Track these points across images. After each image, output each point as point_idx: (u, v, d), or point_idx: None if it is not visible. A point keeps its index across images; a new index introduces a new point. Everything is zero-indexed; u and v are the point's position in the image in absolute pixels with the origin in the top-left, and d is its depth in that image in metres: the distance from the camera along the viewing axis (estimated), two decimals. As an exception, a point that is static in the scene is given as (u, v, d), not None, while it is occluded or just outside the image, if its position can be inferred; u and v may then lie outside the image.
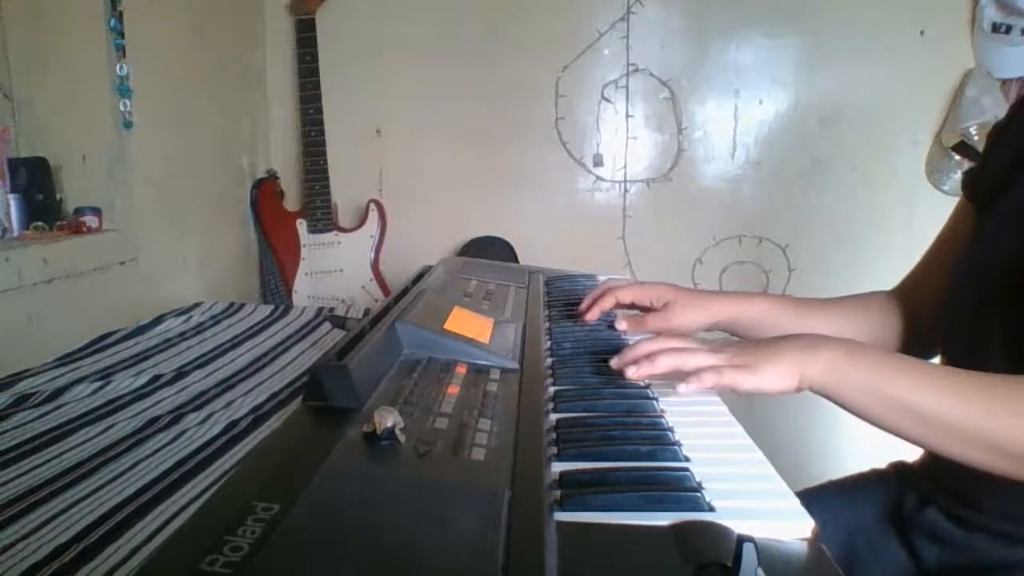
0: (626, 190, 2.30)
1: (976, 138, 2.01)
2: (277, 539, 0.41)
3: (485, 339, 0.82)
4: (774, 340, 0.73)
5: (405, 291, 0.94)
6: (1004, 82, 2.06)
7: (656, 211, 2.30)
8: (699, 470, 0.57)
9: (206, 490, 0.89)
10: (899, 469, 0.92)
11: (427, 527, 0.45)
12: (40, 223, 1.55)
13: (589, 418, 0.68)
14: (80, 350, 1.38)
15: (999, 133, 0.85)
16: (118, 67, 1.63)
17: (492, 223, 2.31)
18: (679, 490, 0.54)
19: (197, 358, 1.39)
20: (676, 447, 0.61)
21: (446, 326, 0.82)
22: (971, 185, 0.87)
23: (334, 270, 2.27)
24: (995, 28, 2.02)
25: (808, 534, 0.50)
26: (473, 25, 2.26)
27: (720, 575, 0.43)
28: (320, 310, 1.78)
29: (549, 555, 0.44)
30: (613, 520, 0.50)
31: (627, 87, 2.24)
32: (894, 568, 0.84)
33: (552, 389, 0.75)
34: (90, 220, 1.60)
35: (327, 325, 1.67)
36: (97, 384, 1.21)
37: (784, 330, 0.81)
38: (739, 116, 2.23)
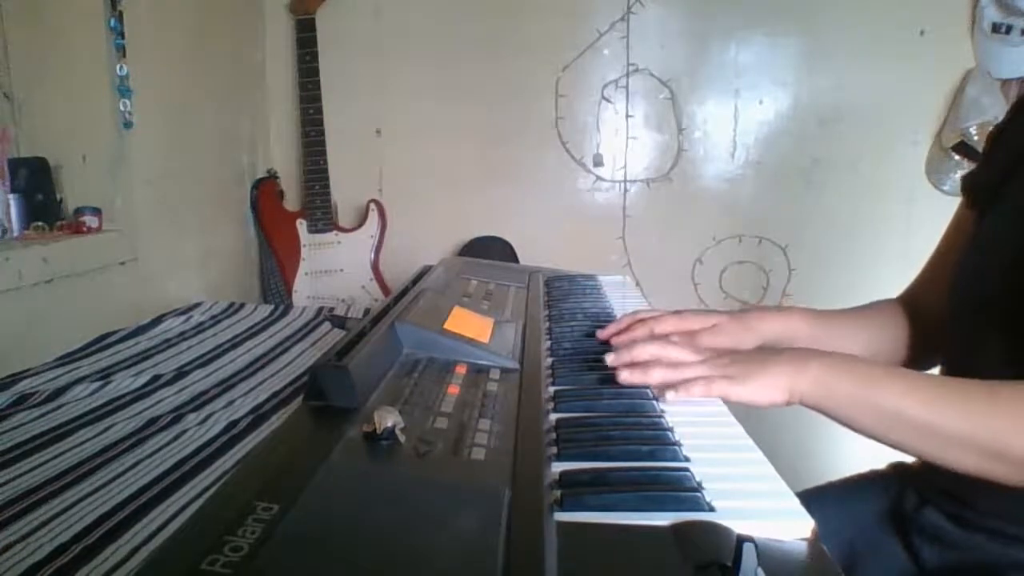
0: (626, 190, 2.30)
1: (976, 138, 2.01)
2: (277, 539, 0.41)
3: (485, 339, 0.82)
4: (767, 353, 0.74)
5: (405, 291, 0.94)
6: (1004, 82, 2.06)
7: (656, 211, 2.30)
8: (699, 470, 0.57)
9: (206, 490, 0.89)
10: (898, 469, 0.92)
11: (427, 527, 0.45)
12: (40, 223, 1.55)
13: (589, 418, 0.68)
14: (80, 350, 1.38)
15: (998, 135, 0.85)
16: (118, 67, 1.63)
17: (492, 223, 2.31)
18: (679, 490, 0.54)
19: (197, 358, 1.39)
20: (676, 447, 0.61)
21: (446, 326, 0.82)
22: (970, 188, 0.87)
23: (334, 270, 2.27)
24: (995, 28, 2.02)
25: (808, 534, 0.50)
26: (473, 25, 2.26)
27: (720, 575, 0.43)
28: (320, 310, 1.78)
29: (549, 555, 0.44)
30: (613, 520, 0.50)
31: (627, 87, 2.24)
32: (894, 568, 0.84)
33: (552, 389, 0.75)
34: (90, 220, 1.60)
35: (327, 325, 1.67)
36: (97, 384, 1.21)
37: (815, 342, 0.82)
38: (739, 116, 2.23)
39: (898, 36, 2.11)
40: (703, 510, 0.52)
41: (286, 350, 1.48)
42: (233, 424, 1.08)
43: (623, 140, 2.28)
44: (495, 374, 0.74)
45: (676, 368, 0.73)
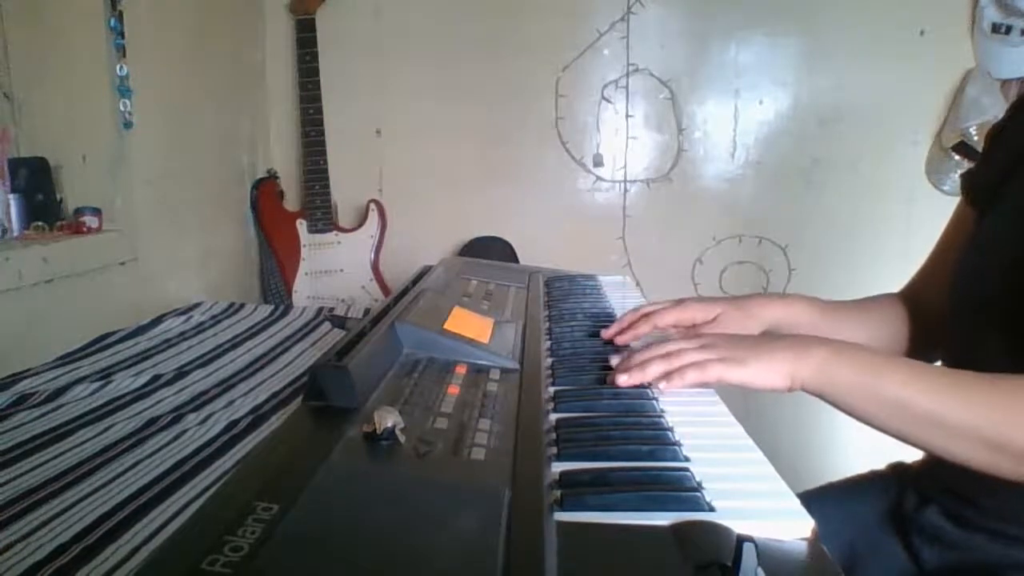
0: (626, 190, 2.30)
1: (976, 138, 2.01)
2: (277, 539, 0.41)
3: (485, 339, 0.82)
4: (768, 338, 0.74)
5: (405, 291, 0.94)
6: (1004, 82, 2.06)
7: (656, 211, 2.30)
8: (699, 470, 0.57)
9: (206, 490, 0.89)
10: (897, 470, 0.92)
11: (427, 527, 0.45)
12: (40, 223, 1.55)
13: (589, 418, 0.68)
14: (80, 350, 1.38)
15: (997, 134, 0.84)
16: (118, 67, 1.63)
17: (492, 223, 2.31)
18: (679, 490, 0.54)
19: (197, 358, 1.39)
20: (676, 447, 0.61)
21: (446, 326, 0.82)
22: (970, 187, 0.87)
23: (334, 270, 2.27)
24: (995, 28, 2.02)
25: (808, 534, 0.50)
26: (473, 25, 2.26)
27: (720, 575, 0.43)
28: (320, 310, 1.78)
29: (549, 555, 0.44)
30: (613, 520, 0.50)
31: (627, 87, 2.24)
32: (894, 569, 0.84)
33: (552, 389, 0.75)
34: (90, 220, 1.60)
35: (327, 325, 1.67)
36: (97, 384, 1.21)
37: (815, 330, 0.81)
38: (739, 116, 2.23)
39: (898, 36, 2.11)
40: (703, 510, 0.52)
41: (286, 350, 1.48)
42: (233, 424, 1.08)
43: (623, 140, 2.28)
44: (495, 374, 0.74)
45: (671, 358, 0.72)
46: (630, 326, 0.89)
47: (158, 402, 1.16)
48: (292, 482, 0.47)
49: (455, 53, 2.28)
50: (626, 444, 0.62)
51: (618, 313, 1.04)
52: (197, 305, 1.75)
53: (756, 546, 0.42)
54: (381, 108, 2.33)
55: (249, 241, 2.28)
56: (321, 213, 2.24)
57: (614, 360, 0.77)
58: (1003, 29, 2.01)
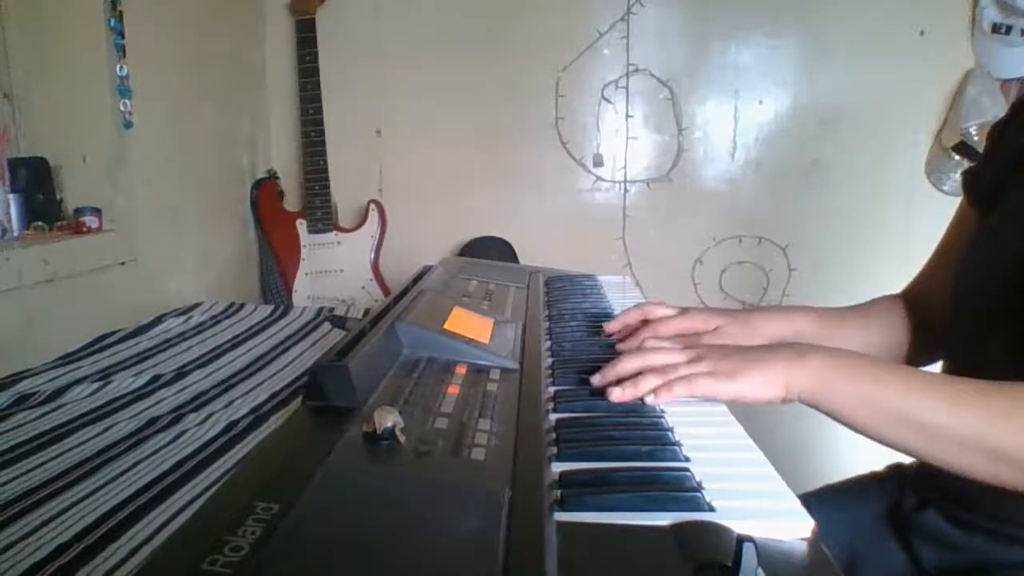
0: (626, 190, 2.30)
1: (976, 138, 2.01)
2: (277, 539, 0.41)
3: (485, 339, 0.82)
4: (763, 348, 0.73)
5: (405, 291, 0.94)
6: (1004, 82, 2.06)
7: (656, 211, 2.30)
8: (699, 470, 0.57)
9: (206, 490, 0.89)
10: (896, 471, 0.91)
11: (427, 527, 0.45)
12: (40, 223, 1.55)
13: (589, 418, 0.68)
14: (80, 350, 1.38)
15: (999, 133, 0.84)
16: (118, 67, 1.63)
17: (492, 223, 2.31)
18: (679, 490, 0.54)
19: (197, 358, 1.39)
20: (676, 447, 0.61)
21: (446, 326, 0.82)
22: (971, 186, 0.86)
23: (334, 270, 2.27)
24: (995, 28, 2.02)
25: (808, 534, 0.50)
26: (473, 25, 2.26)
27: (720, 575, 0.43)
28: (320, 310, 1.78)
29: (549, 555, 0.44)
30: (613, 520, 0.50)
31: (627, 87, 2.24)
32: (894, 569, 0.83)
33: (552, 389, 0.75)
34: (90, 220, 1.60)
35: (327, 325, 1.67)
36: (97, 384, 1.21)
37: (817, 341, 0.81)
38: (739, 116, 2.23)
39: (898, 36, 2.11)
40: (703, 510, 0.52)
41: (286, 350, 1.48)
42: (233, 424, 1.08)
43: (623, 140, 2.28)
44: (495, 374, 0.74)
45: (664, 373, 0.71)
46: (631, 333, 0.88)
47: (158, 402, 1.16)
48: (292, 482, 0.47)
49: (455, 53, 2.28)
50: (626, 444, 0.62)
51: (618, 313, 1.04)
52: (197, 305, 1.75)
53: (756, 546, 0.42)
54: (381, 108, 2.33)
55: (249, 241, 2.28)
56: (321, 213, 2.24)
57: (595, 379, 0.74)
58: (1003, 29, 2.01)
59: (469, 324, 0.85)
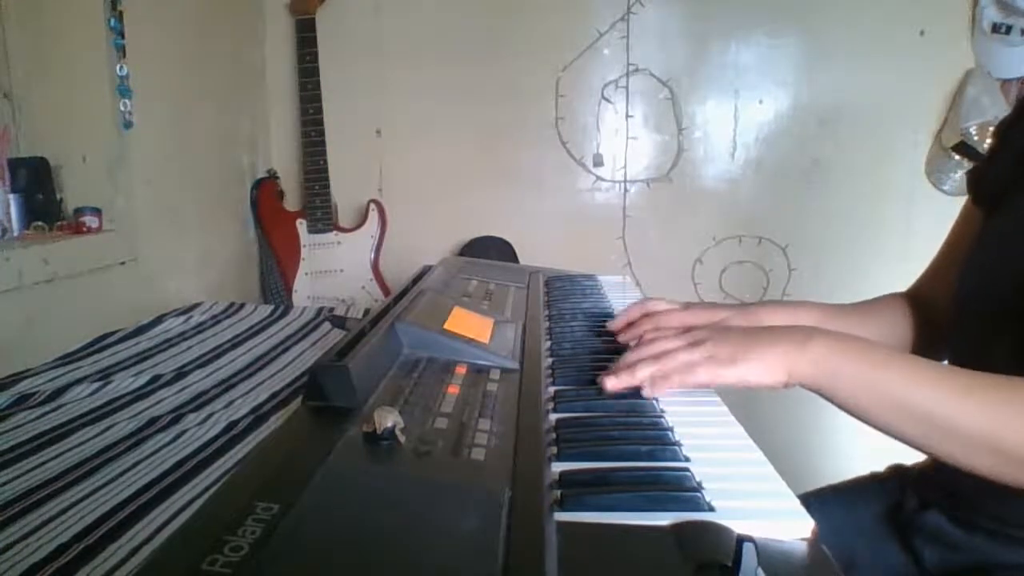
0: (626, 190, 2.30)
1: (976, 138, 2.01)
2: (277, 539, 0.41)
3: (485, 339, 0.82)
4: (764, 331, 0.71)
5: (405, 291, 0.94)
6: (1004, 82, 2.06)
7: (656, 211, 2.30)
8: (699, 470, 0.57)
9: (206, 490, 0.89)
10: (897, 472, 0.91)
11: (427, 527, 0.45)
12: (40, 223, 1.55)
13: (589, 418, 0.68)
14: (80, 350, 1.38)
15: (1005, 132, 0.83)
16: (118, 67, 1.63)
17: (492, 223, 2.31)
18: (679, 490, 0.54)
19: (197, 358, 1.39)
20: (676, 447, 0.61)
21: (446, 326, 0.82)
22: (976, 184, 0.86)
23: (334, 270, 2.27)
24: (995, 28, 2.02)
25: (808, 534, 0.50)
26: (473, 25, 2.26)
27: (720, 575, 0.43)
28: (320, 310, 1.78)
29: (549, 555, 0.44)
30: (613, 520, 0.50)
31: (627, 87, 2.24)
32: (895, 570, 0.83)
33: (552, 389, 0.75)
34: (90, 220, 1.60)
35: (327, 325, 1.67)
36: (97, 384, 1.21)
37: None
38: (739, 116, 2.23)
39: (898, 36, 2.11)
40: (703, 510, 0.52)
41: (286, 350, 1.48)
42: (233, 424, 1.08)
43: (623, 140, 2.28)
44: (495, 374, 0.74)
45: (661, 360, 0.70)
46: (632, 325, 0.88)
47: (158, 402, 1.16)
48: (292, 482, 0.47)
49: (455, 53, 2.28)
50: (626, 444, 0.62)
51: (618, 313, 1.04)
52: (197, 305, 1.75)
53: (756, 546, 0.42)
54: (381, 108, 2.33)
55: (249, 241, 2.28)
56: (321, 213, 2.24)
57: (609, 383, 0.74)
58: (1003, 29, 2.01)
59: (469, 324, 0.85)
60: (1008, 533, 0.75)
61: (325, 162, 2.23)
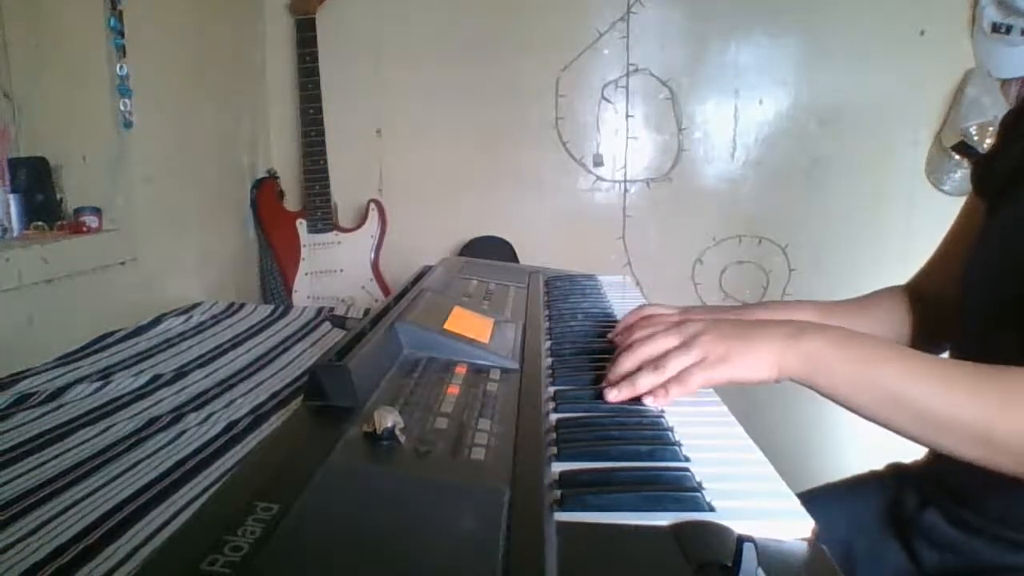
0: (626, 190, 2.30)
1: (976, 138, 2.01)
2: (277, 539, 0.41)
3: (485, 339, 0.82)
4: (756, 325, 0.71)
5: (405, 291, 0.94)
6: (1004, 82, 2.06)
7: (656, 211, 2.30)
8: (699, 470, 0.57)
9: (206, 490, 0.89)
10: (897, 470, 0.91)
11: (427, 527, 0.45)
12: (40, 223, 1.55)
13: (589, 418, 0.68)
14: (80, 350, 1.38)
15: (1011, 126, 0.83)
16: (118, 67, 1.63)
17: (492, 223, 2.31)
18: (679, 490, 0.54)
19: (197, 358, 1.39)
20: (676, 447, 0.61)
21: (446, 326, 0.82)
22: (980, 178, 0.85)
23: (334, 270, 2.27)
24: (995, 28, 2.02)
25: (808, 534, 0.50)
26: (473, 25, 2.26)
27: (720, 575, 0.43)
28: (320, 310, 1.78)
29: (549, 555, 0.44)
30: (613, 520, 0.50)
31: (627, 87, 2.24)
32: (894, 569, 0.83)
33: (552, 389, 0.75)
34: (90, 220, 1.60)
35: (327, 325, 1.67)
36: (97, 384, 1.21)
37: None
38: (739, 116, 2.23)
39: (898, 36, 2.11)
40: (703, 510, 0.52)
41: (286, 350, 1.48)
42: (233, 424, 1.08)
43: (623, 140, 2.28)
44: (495, 374, 0.74)
45: (658, 369, 0.70)
46: (628, 329, 0.88)
47: (158, 402, 1.16)
48: (292, 482, 0.47)
49: (455, 53, 2.28)
50: (626, 444, 0.62)
51: (618, 313, 1.04)
52: (197, 305, 1.75)
53: (756, 546, 0.42)
54: (381, 108, 2.33)
55: (249, 241, 2.28)
56: (321, 213, 2.24)
57: (611, 395, 0.73)
58: (1003, 29, 2.01)
59: (469, 324, 0.85)
60: (1007, 535, 0.75)
61: (325, 162, 2.23)
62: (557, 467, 0.58)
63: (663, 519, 0.50)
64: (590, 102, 2.27)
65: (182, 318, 1.64)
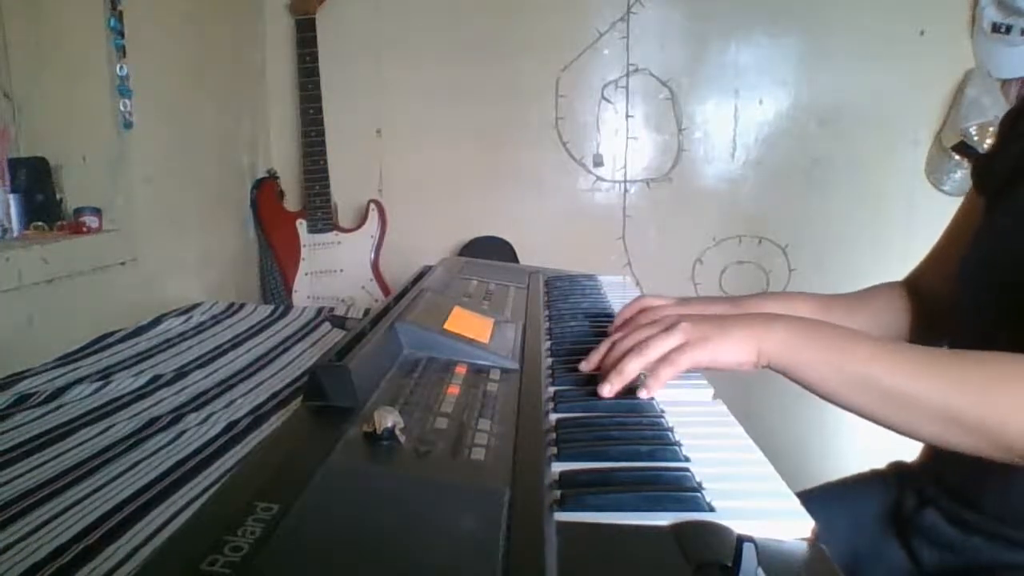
0: (626, 190, 2.30)
1: (976, 138, 2.01)
2: (277, 539, 0.41)
3: (485, 339, 0.82)
4: (733, 316, 0.73)
5: (405, 291, 0.94)
6: (1004, 82, 2.06)
7: (656, 211, 2.30)
8: (699, 470, 0.57)
9: (206, 490, 0.89)
10: (898, 470, 0.91)
11: (427, 527, 0.45)
12: (40, 223, 1.55)
13: (589, 418, 0.68)
14: (80, 350, 1.38)
15: (1012, 124, 0.83)
16: (118, 67, 1.63)
17: (492, 223, 2.31)
18: (679, 490, 0.54)
19: (197, 358, 1.39)
20: (676, 447, 0.61)
21: (446, 326, 0.82)
22: (980, 175, 0.86)
23: (334, 270, 2.27)
24: (995, 28, 2.02)
25: (808, 534, 0.50)
26: (473, 25, 2.26)
27: (720, 575, 0.43)
28: (320, 310, 1.78)
29: (549, 555, 0.44)
30: (613, 520, 0.50)
31: (627, 87, 2.24)
32: (894, 569, 0.83)
33: (552, 389, 0.75)
34: (90, 220, 1.60)
35: (327, 325, 1.67)
36: (97, 384, 1.21)
37: None
38: (739, 116, 2.23)
39: (898, 36, 2.11)
40: (703, 510, 0.52)
41: (286, 350, 1.48)
42: (233, 424, 1.08)
43: (623, 140, 2.28)
44: (495, 374, 0.74)
45: (642, 352, 0.70)
46: (626, 324, 0.88)
47: (158, 402, 1.16)
48: (292, 482, 0.47)
49: (455, 53, 2.28)
50: (626, 444, 0.62)
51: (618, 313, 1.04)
52: (197, 305, 1.75)
53: (756, 546, 0.42)
54: (381, 108, 2.33)
55: (249, 241, 2.28)
56: (321, 213, 2.24)
57: (583, 366, 0.76)
58: (1003, 29, 2.01)
59: (469, 324, 0.85)
60: (1006, 533, 0.75)
61: (325, 162, 2.23)
62: (557, 467, 0.58)
63: (663, 519, 0.50)
64: (590, 102, 2.27)
65: (182, 318, 1.64)
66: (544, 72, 2.26)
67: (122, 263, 1.67)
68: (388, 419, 0.54)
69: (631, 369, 0.71)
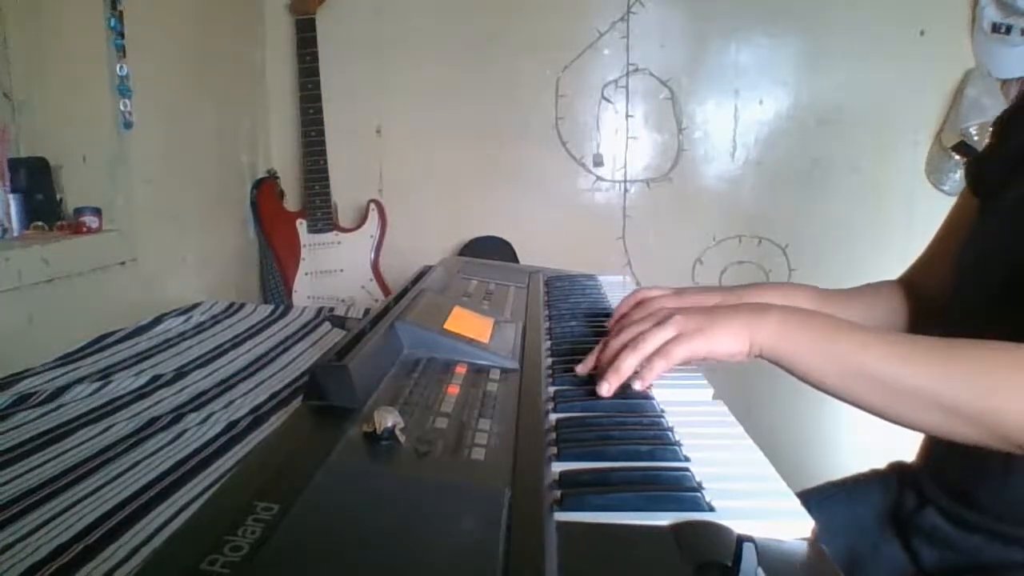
0: (626, 190, 2.30)
1: (976, 138, 2.01)
2: (277, 539, 0.41)
3: (485, 339, 0.82)
4: (724, 307, 0.73)
5: (405, 291, 0.94)
6: (1004, 82, 2.06)
7: (656, 211, 2.30)
8: (699, 470, 0.57)
9: (206, 490, 0.89)
10: (898, 469, 0.91)
11: (427, 527, 0.45)
12: (40, 223, 1.55)
13: (589, 418, 0.68)
14: (80, 350, 1.38)
15: (1004, 125, 0.83)
16: (118, 67, 1.63)
17: (492, 223, 2.31)
18: (679, 490, 0.54)
19: (197, 358, 1.39)
20: (676, 447, 0.61)
21: (446, 326, 0.82)
22: (974, 176, 0.86)
23: (334, 270, 2.27)
24: (995, 28, 2.02)
25: (808, 534, 0.50)
26: (473, 25, 2.26)
27: (720, 575, 0.43)
28: (320, 310, 1.78)
29: (549, 555, 0.44)
30: (613, 520, 0.50)
31: (627, 87, 2.24)
32: (894, 569, 0.83)
33: (552, 389, 0.75)
34: (90, 220, 1.60)
35: (327, 325, 1.67)
36: (97, 384, 1.21)
37: None
38: (739, 116, 2.23)
39: (898, 36, 2.11)
40: (703, 510, 0.52)
41: (286, 350, 1.48)
42: (233, 424, 1.08)
43: (623, 140, 2.28)
44: (495, 374, 0.74)
45: (638, 347, 0.70)
46: (624, 318, 0.88)
47: (158, 402, 1.16)
48: (292, 482, 0.47)
49: (455, 53, 2.28)
50: (626, 444, 0.62)
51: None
52: (197, 305, 1.75)
53: (756, 546, 0.42)
54: (381, 108, 2.33)
55: (249, 241, 2.28)
56: (321, 213, 2.24)
57: (579, 368, 0.76)
58: (1003, 29, 2.01)
59: (469, 324, 0.85)
60: (1005, 532, 0.75)
61: (325, 162, 2.23)
62: (557, 467, 0.58)
63: (663, 519, 0.50)
64: (590, 102, 2.27)
65: (182, 318, 1.64)
66: (544, 72, 2.26)
67: (122, 263, 1.67)
68: (388, 419, 0.54)
69: (627, 366, 0.71)
